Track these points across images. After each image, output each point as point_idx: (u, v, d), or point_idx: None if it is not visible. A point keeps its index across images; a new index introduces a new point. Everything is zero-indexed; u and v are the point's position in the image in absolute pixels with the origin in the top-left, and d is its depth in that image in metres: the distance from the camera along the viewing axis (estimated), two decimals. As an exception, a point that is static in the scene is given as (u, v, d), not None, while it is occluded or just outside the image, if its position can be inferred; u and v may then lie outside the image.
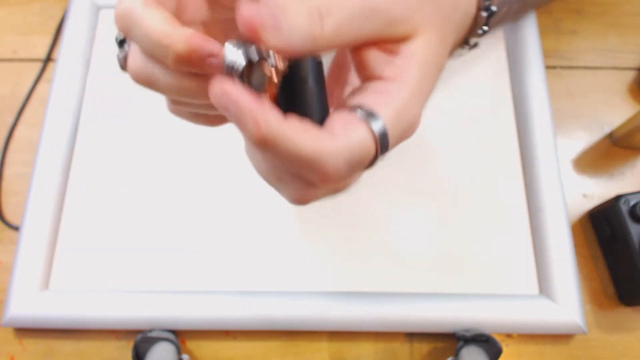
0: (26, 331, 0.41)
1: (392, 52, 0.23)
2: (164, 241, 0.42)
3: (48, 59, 0.50)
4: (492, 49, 0.48)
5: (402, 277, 0.41)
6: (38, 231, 0.41)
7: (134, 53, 0.23)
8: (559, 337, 0.41)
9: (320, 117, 0.21)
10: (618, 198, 0.40)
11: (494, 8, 0.29)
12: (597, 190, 0.45)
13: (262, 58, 0.18)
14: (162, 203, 0.43)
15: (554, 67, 0.49)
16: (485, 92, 0.47)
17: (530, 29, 0.48)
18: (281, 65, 0.19)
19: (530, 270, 0.41)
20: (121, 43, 0.25)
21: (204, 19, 0.26)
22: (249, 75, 0.18)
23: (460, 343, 0.38)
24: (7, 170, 0.46)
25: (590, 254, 0.43)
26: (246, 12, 0.19)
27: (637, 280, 0.39)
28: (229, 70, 0.18)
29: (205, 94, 0.20)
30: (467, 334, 0.38)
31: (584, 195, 0.45)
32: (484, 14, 0.29)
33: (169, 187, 0.44)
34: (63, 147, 0.44)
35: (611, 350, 0.40)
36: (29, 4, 0.52)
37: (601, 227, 0.43)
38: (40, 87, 0.49)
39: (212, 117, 0.27)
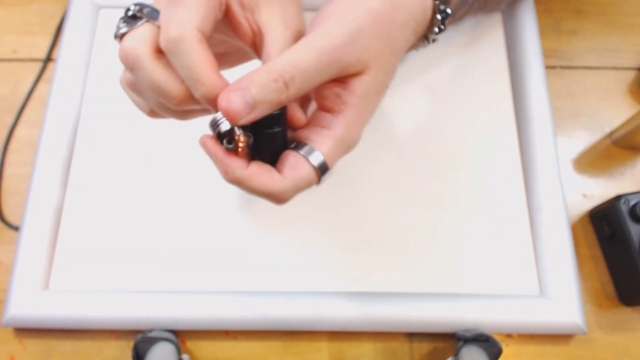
0: (26, 331, 0.41)
1: (342, 84, 0.28)
2: (164, 241, 0.42)
3: (48, 59, 0.50)
4: (492, 49, 0.48)
5: (402, 277, 0.41)
6: (38, 231, 0.41)
7: (135, 39, 0.26)
8: (559, 337, 0.41)
9: (282, 149, 0.28)
10: (618, 198, 0.40)
11: (449, 11, 0.32)
12: (597, 190, 0.45)
13: (232, 129, 0.26)
14: (162, 203, 0.43)
15: (554, 67, 0.49)
16: (485, 92, 0.47)
17: (530, 29, 0.48)
18: (244, 137, 0.26)
19: (530, 270, 0.41)
20: (133, 17, 0.26)
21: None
22: (226, 135, 0.26)
23: (460, 343, 0.38)
24: (7, 170, 0.46)
25: (590, 254, 0.43)
26: (222, 101, 0.24)
27: (637, 280, 0.39)
28: (214, 127, 0.26)
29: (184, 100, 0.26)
30: (467, 334, 0.38)
31: (584, 195, 0.45)
32: (439, 16, 0.32)
33: (169, 187, 0.44)
34: (63, 147, 0.44)
35: (611, 350, 0.40)
36: (29, 4, 0.52)
37: (601, 227, 0.43)
38: (40, 87, 0.49)
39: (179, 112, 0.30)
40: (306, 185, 0.28)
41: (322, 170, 0.28)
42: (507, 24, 0.49)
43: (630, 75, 0.49)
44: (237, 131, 0.25)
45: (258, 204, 0.43)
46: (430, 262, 0.41)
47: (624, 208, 0.40)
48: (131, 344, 0.40)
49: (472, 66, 0.48)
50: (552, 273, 0.40)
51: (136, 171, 0.44)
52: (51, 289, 0.40)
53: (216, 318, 0.39)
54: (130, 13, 0.27)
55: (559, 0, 0.52)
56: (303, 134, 0.29)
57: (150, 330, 0.39)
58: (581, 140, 0.47)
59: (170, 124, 0.45)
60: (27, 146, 0.46)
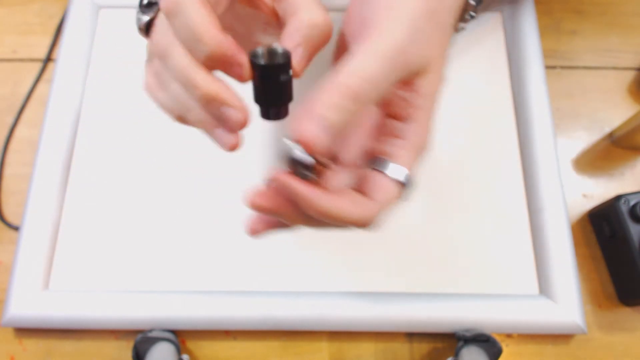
0: (26, 331, 0.41)
1: (407, 86, 0.26)
2: (164, 241, 0.42)
3: (48, 59, 0.50)
4: (492, 49, 0.48)
5: (402, 277, 0.41)
6: (38, 231, 0.41)
7: (163, 26, 0.25)
8: (559, 337, 0.41)
9: (289, 98, 0.26)
10: (618, 198, 0.40)
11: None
12: (597, 190, 0.45)
13: (316, 160, 0.23)
14: (162, 203, 0.43)
15: (554, 67, 0.49)
16: (485, 92, 0.47)
17: (530, 29, 0.48)
18: (327, 162, 0.24)
19: (530, 270, 0.41)
20: (149, 4, 0.26)
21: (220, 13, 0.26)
22: (304, 167, 0.23)
23: (460, 343, 0.38)
24: (7, 170, 0.46)
25: (590, 254, 0.43)
26: (297, 132, 0.22)
27: (637, 280, 0.39)
28: (293, 163, 0.23)
29: (210, 97, 0.24)
30: (467, 334, 0.38)
31: (584, 195, 0.45)
32: (473, 2, 0.31)
33: (169, 187, 0.44)
34: (63, 147, 0.44)
35: (611, 350, 0.40)
36: (29, 4, 0.52)
37: (601, 227, 0.43)
38: (40, 87, 0.49)
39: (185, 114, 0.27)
40: (394, 204, 0.26)
41: (409, 184, 0.26)
42: (507, 24, 0.49)
43: (630, 75, 0.49)
44: (319, 159, 0.23)
45: (258, 204, 0.43)
46: (430, 262, 0.41)
47: (624, 208, 0.40)
48: (131, 344, 0.40)
49: (472, 66, 0.48)
50: (552, 273, 0.40)
51: (136, 171, 0.44)
52: (51, 289, 0.40)
53: (216, 318, 0.39)
54: (145, 2, 0.26)
55: (559, 0, 0.52)
56: (378, 147, 0.27)
57: (150, 330, 0.39)
58: (581, 140, 0.47)
59: (170, 124, 0.45)
60: (27, 146, 0.46)
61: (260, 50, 0.24)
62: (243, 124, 0.25)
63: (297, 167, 0.23)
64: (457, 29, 0.34)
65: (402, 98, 0.26)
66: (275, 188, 0.24)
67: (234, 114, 0.25)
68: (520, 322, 0.39)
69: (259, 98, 0.26)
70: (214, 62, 0.24)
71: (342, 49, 0.30)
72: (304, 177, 0.23)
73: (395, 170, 0.26)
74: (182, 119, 0.27)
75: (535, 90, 0.45)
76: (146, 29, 0.27)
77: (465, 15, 0.33)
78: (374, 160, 0.27)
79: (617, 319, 0.41)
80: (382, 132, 0.27)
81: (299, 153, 0.23)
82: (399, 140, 0.26)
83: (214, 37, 0.23)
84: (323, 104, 0.22)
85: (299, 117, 0.23)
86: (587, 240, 0.44)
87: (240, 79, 0.25)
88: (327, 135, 0.22)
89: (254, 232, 0.28)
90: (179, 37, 0.24)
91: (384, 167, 0.26)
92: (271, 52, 0.24)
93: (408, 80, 0.26)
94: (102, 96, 0.47)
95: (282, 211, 0.25)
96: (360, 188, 0.26)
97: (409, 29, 0.24)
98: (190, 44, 0.24)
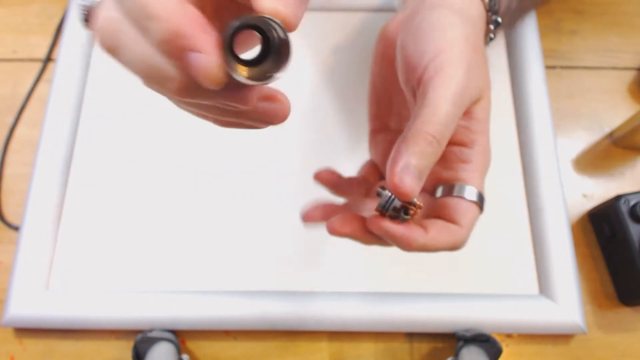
0: (26, 331, 0.41)
1: (466, 115, 0.29)
2: (164, 241, 0.42)
3: (48, 59, 0.50)
4: (492, 49, 0.48)
5: (402, 277, 0.41)
6: (38, 231, 0.41)
7: (110, 8, 0.20)
8: (559, 337, 0.41)
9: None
10: (618, 198, 0.40)
11: (499, 20, 0.33)
12: (597, 190, 0.45)
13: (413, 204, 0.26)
14: (162, 203, 0.43)
15: (554, 67, 0.49)
16: (485, 92, 0.47)
17: (530, 29, 0.48)
18: (420, 204, 0.26)
19: (530, 270, 0.41)
20: None
21: None
22: (399, 209, 0.26)
23: (460, 343, 0.38)
24: (7, 170, 0.46)
25: (590, 254, 0.43)
26: (393, 185, 0.24)
27: (637, 280, 0.39)
28: (394, 210, 0.26)
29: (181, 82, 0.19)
30: (467, 334, 0.38)
31: (584, 195, 0.45)
32: (492, 26, 0.33)
33: (169, 187, 0.44)
34: (63, 147, 0.44)
35: (611, 350, 0.40)
36: (29, 4, 0.52)
37: (601, 227, 0.43)
38: (40, 87, 0.49)
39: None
40: (476, 222, 0.29)
41: (482, 202, 0.29)
42: (507, 24, 0.49)
43: (630, 75, 0.49)
44: (415, 201, 0.26)
45: (257, 203, 0.43)
46: (430, 262, 0.41)
47: (624, 208, 0.40)
48: (131, 344, 0.40)
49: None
50: (552, 273, 0.40)
51: (136, 171, 0.44)
52: (51, 289, 0.40)
53: (216, 318, 0.39)
54: None
55: (559, 0, 0.52)
56: (450, 175, 0.29)
57: (150, 330, 0.39)
58: (581, 140, 0.47)
59: (170, 125, 0.45)
60: (27, 146, 0.46)
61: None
62: (217, 80, 0.18)
63: (397, 213, 0.26)
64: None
65: (465, 127, 0.29)
66: (353, 215, 0.27)
67: (202, 60, 0.18)
68: (520, 322, 0.39)
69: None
70: (169, 49, 0.18)
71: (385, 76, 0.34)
72: (400, 219, 0.26)
73: (471, 193, 0.28)
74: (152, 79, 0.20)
75: (535, 90, 0.45)
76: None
77: (486, 38, 0.35)
78: (450, 187, 0.29)
79: (617, 319, 0.41)
80: (451, 159, 0.29)
81: (388, 197, 0.26)
82: (468, 164, 0.29)
83: (170, 10, 0.18)
84: (412, 154, 0.25)
85: (393, 170, 0.25)
86: (587, 240, 0.44)
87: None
88: (420, 181, 0.25)
89: (309, 219, 0.30)
90: (129, 18, 0.19)
91: (462, 192, 0.28)
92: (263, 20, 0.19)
93: (467, 110, 0.29)
94: (102, 96, 0.47)
95: (358, 236, 0.28)
96: (441, 215, 0.28)
97: (465, 68, 0.27)
98: (140, 23, 0.19)
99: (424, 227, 0.27)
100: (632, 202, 0.40)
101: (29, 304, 0.39)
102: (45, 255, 0.41)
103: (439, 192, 0.29)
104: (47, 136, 0.44)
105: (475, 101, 0.29)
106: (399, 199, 0.25)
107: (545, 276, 0.40)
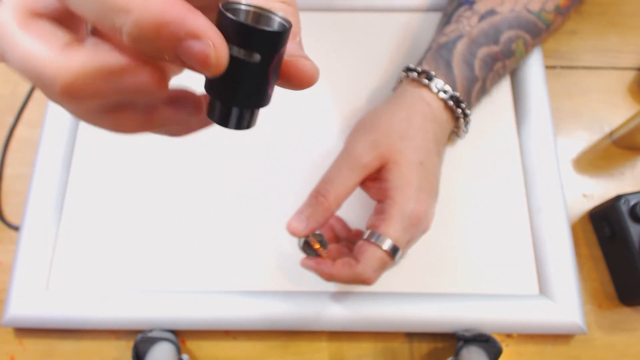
0: (26, 331, 0.41)
1: (377, 179, 0.36)
2: (164, 241, 0.42)
3: (48, 59, 0.50)
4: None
5: (402, 277, 0.41)
6: (38, 231, 0.41)
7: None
8: (559, 337, 0.41)
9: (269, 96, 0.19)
10: (618, 198, 0.40)
11: (468, 112, 0.39)
12: (597, 190, 0.45)
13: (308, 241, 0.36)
14: (162, 203, 0.43)
15: (554, 67, 0.49)
16: (485, 92, 0.47)
17: (530, 29, 0.47)
18: (317, 243, 0.35)
19: (530, 270, 0.41)
20: None
21: None
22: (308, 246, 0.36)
23: (460, 343, 0.38)
24: (7, 170, 0.46)
25: (590, 254, 0.43)
26: (288, 225, 0.34)
27: (637, 280, 0.39)
28: (303, 250, 0.36)
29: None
30: (467, 334, 0.38)
31: (584, 195, 0.45)
32: (463, 122, 0.40)
33: (169, 187, 0.44)
34: (63, 147, 0.44)
35: (611, 350, 0.40)
36: (29, 4, 0.52)
37: (601, 227, 0.42)
38: (40, 87, 0.49)
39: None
40: (382, 265, 0.34)
41: (394, 251, 0.34)
42: (507, 24, 0.49)
43: (630, 75, 0.49)
44: (309, 239, 0.35)
45: (257, 204, 0.43)
46: (430, 262, 0.41)
47: (624, 208, 0.40)
48: (131, 344, 0.40)
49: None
50: (552, 273, 0.40)
51: (136, 171, 0.44)
52: (51, 289, 0.40)
53: (216, 318, 0.39)
54: None
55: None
56: (370, 222, 0.35)
57: (150, 330, 0.39)
58: (581, 140, 0.47)
59: (170, 124, 0.45)
60: (27, 146, 0.46)
61: (242, 6, 0.16)
62: (223, 65, 0.16)
63: (309, 250, 0.35)
64: (459, 135, 0.42)
65: (377, 188, 0.36)
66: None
67: (198, 48, 0.15)
68: (520, 322, 0.39)
69: (220, 87, 0.16)
70: (143, 36, 0.15)
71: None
72: (314, 255, 0.36)
73: (379, 239, 0.34)
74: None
75: (535, 90, 0.45)
76: None
77: (460, 131, 0.41)
78: (368, 234, 0.35)
79: (617, 319, 0.41)
80: (375, 213, 0.36)
81: (301, 241, 0.35)
82: (382, 215, 0.35)
83: None
84: (302, 206, 0.35)
85: (290, 221, 0.34)
86: (587, 240, 0.44)
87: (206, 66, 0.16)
88: (304, 225, 0.34)
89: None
90: (79, 11, 0.16)
91: (370, 236, 0.34)
92: (259, 15, 0.16)
93: (375, 175, 0.36)
94: (102, 96, 0.46)
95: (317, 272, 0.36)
96: (354, 253, 0.35)
97: (368, 144, 0.36)
98: (99, 13, 0.15)
99: (333, 262, 0.35)
100: (632, 202, 0.40)
101: (29, 304, 0.39)
102: (45, 255, 0.41)
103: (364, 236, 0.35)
104: (47, 136, 0.44)
105: (380, 167, 0.36)
106: (296, 237, 0.34)
107: (545, 276, 0.40)
